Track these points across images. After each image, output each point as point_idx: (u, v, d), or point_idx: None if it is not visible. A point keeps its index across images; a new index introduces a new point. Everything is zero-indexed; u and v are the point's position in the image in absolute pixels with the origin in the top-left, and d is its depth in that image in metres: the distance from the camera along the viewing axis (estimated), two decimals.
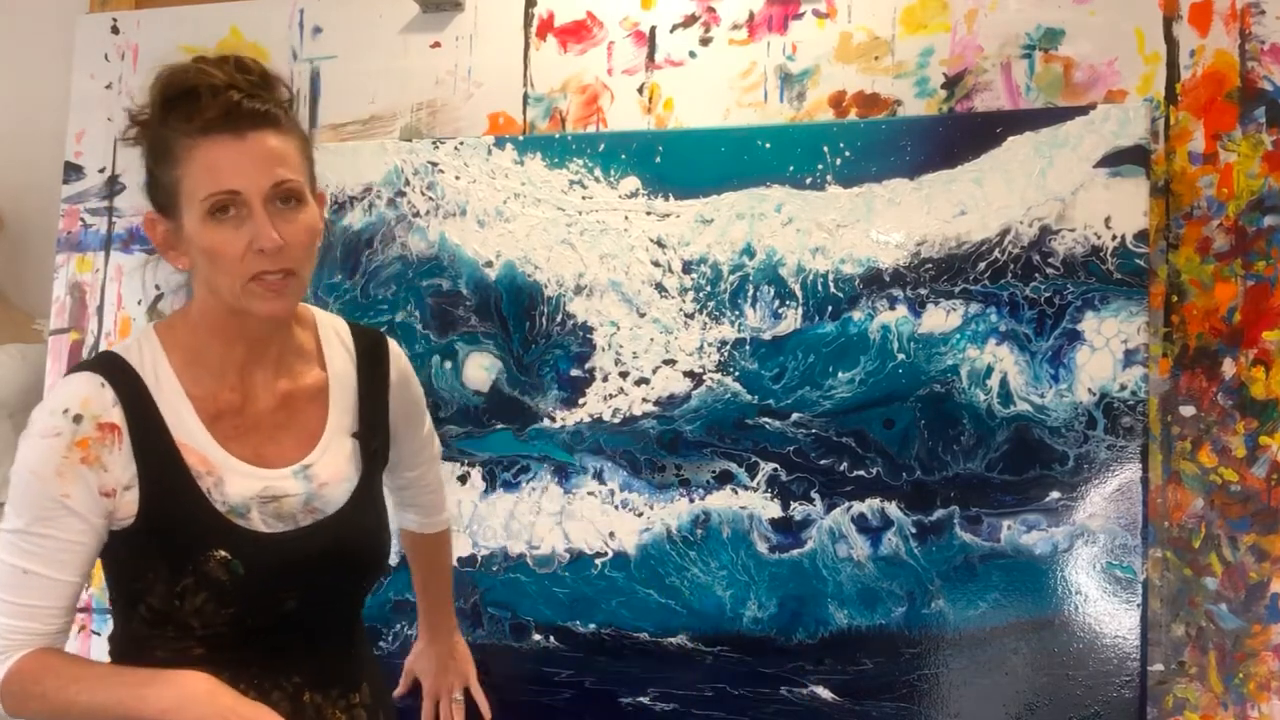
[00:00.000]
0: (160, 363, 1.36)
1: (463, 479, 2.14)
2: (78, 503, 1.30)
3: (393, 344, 1.56)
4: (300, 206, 1.33)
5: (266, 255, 1.29)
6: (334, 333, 1.50)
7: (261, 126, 1.30)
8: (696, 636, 2.01)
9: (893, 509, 1.96)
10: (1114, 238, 1.90)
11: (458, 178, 2.21)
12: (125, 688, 1.28)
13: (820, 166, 2.04)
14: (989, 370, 1.94)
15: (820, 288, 2.02)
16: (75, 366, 1.38)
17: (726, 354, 2.05)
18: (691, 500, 2.04)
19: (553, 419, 2.12)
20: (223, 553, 1.32)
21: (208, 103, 1.29)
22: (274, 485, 1.38)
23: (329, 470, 1.42)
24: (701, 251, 2.08)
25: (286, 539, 1.37)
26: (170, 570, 1.33)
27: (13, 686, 1.30)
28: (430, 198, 2.21)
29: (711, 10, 2.20)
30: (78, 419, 1.30)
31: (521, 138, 2.22)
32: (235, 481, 1.36)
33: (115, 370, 1.34)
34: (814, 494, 1.99)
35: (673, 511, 2.05)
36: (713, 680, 2.00)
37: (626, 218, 2.12)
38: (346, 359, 1.49)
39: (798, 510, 2.00)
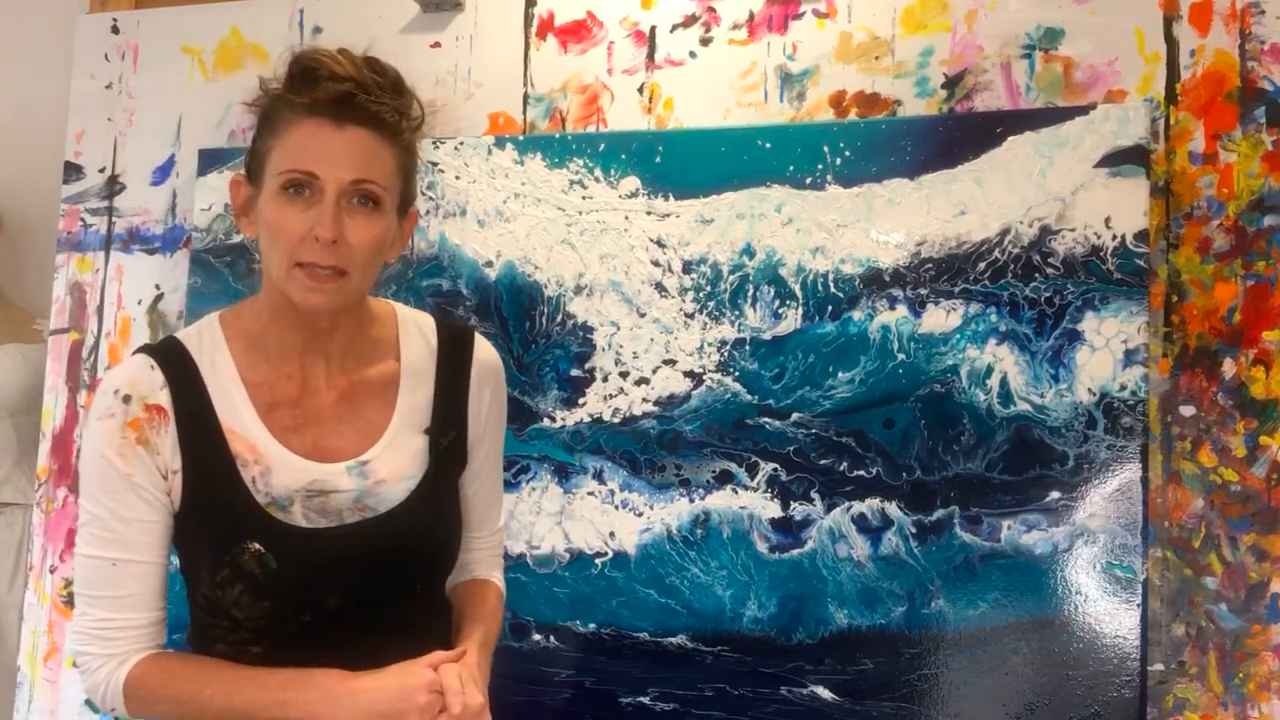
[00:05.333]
0: (219, 349, 1.36)
1: None
2: (144, 480, 1.31)
3: (481, 339, 1.49)
4: (375, 212, 1.31)
5: (320, 246, 1.28)
6: (415, 326, 1.46)
7: (365, 124, 1.30)
8: (696, 636, 2.01)
9: (893, 509, 1.96)
10: (1114, 238, 1.90)
11: (458, 177, 2.21)
12: (263, 691, 1.28)
13: (820, 166, 2.04)
14: (989, 370, 1.94)
15: (820, 288, 2.02)
16: (136, 350, 1.39)
17: (726, 354, 2.05)
18: (691, 500, 2.04)
19: (553, 419, 2.12)
20: (256, 545, 1.31)
21: (324, 86, 1.29)
22: (323, 480, 1.35)
23: (388, 467, 1.38)
24: (701, 251, 2.08)
25: (326, 535, 1.34)
26: (210, 559, 1.33)
27: (139, 691, 1.31)
28: (430, 197, 2.21)
29: (711, 10, 2.20)
30: (127, 399, 1.32)
31: (521, 138, 2.22)
32: (283, 473, 1.33)
33: (169, 354, 1.35)
34: (814, 494, 1.99)
35: (673, 511, 2.05)
36: (713, 680, 2.00)
37: (626, 218, 2.12)
38: (425, 352, 1.44)
39: (798, 510, 2.00)
